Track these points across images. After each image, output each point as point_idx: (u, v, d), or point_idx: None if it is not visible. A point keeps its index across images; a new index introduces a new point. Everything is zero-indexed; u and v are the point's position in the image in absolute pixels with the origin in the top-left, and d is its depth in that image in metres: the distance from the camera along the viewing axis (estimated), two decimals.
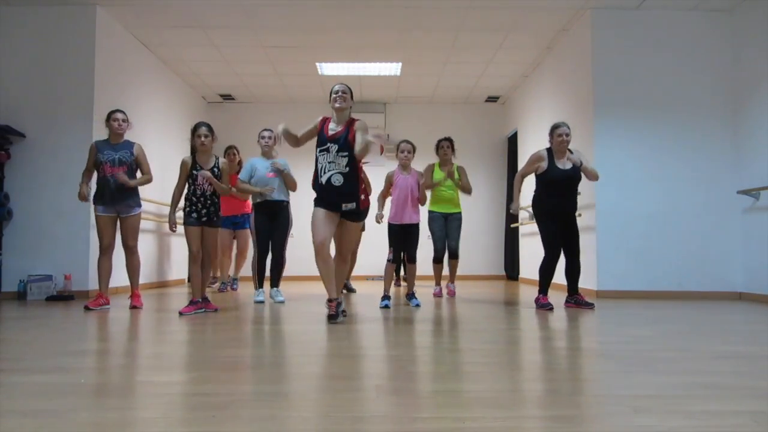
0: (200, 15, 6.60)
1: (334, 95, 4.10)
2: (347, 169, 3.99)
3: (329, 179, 3.98)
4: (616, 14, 6.39)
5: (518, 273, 9.38)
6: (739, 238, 6.19)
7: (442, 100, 10.19)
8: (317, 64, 8.23)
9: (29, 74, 6.23)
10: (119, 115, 4.96)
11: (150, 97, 7.75)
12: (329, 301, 4.03)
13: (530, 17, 6.60)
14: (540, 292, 5.03)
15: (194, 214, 4.64)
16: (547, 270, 4.97)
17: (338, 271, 4.19)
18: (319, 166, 4.04)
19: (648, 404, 1.90)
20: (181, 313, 4.49)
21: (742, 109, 6.19)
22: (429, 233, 6.10)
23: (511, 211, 5.16)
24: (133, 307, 4.93)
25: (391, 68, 8.43)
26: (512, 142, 9.82)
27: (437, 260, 6.11)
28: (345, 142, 3.98)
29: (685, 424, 1.71)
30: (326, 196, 4.01)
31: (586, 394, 2.10)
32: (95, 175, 4.96)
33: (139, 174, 5.04)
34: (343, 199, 4.00)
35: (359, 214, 4.15)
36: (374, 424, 1.72)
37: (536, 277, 8.30)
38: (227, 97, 9.97)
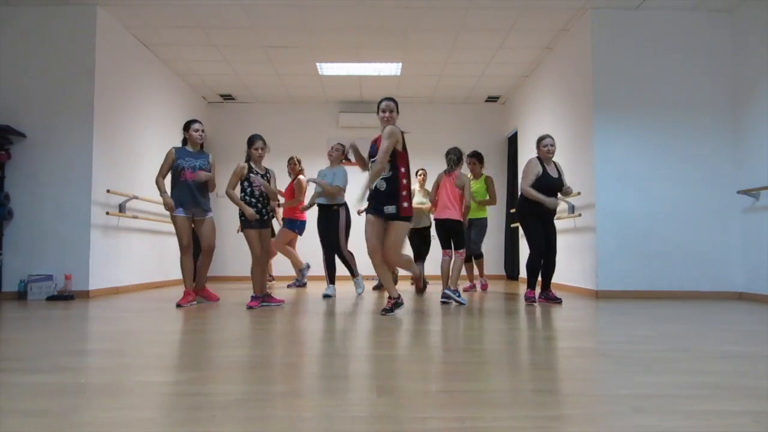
0: (200, 15, 6.60)
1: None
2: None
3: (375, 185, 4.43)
4: (616, 14, 6.38)
5: (518, 273, 9.38)
6: (739, 238, 6.18)
7: (442, 100, 10.19)
8: (317, 64, 8.23)
9: (29, 74, 6.23)
10: (198, 126, 5.30)
11: (150, 97, 7.75)
12: (389, 298, 4.55)
13: (530, 17, 6.60)
14: (530, 287, 5.51)
15: (257, 216, 4.94)
16: (536, 266, 5.38)
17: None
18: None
19: (648, 404, 1.90)
20: (249, 307, 4.90)
21: (742, 109, 6.19)
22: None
23: (551, 205, 5.27)
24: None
25: (391, 68, 8.43)
26: (512, 142, 9.82)
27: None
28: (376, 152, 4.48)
29: (685, 424, 1.71)
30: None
31: (586, 394, 2.10)
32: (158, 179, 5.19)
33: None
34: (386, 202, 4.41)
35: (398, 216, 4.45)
36: (374, 424, 1.72)
37: None
38: (227, 97, 9.97)
